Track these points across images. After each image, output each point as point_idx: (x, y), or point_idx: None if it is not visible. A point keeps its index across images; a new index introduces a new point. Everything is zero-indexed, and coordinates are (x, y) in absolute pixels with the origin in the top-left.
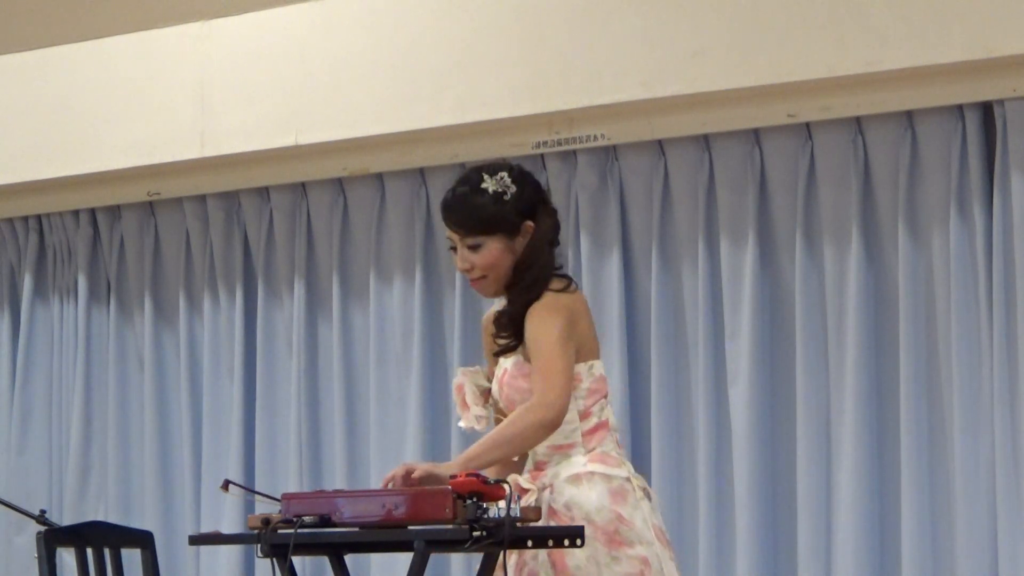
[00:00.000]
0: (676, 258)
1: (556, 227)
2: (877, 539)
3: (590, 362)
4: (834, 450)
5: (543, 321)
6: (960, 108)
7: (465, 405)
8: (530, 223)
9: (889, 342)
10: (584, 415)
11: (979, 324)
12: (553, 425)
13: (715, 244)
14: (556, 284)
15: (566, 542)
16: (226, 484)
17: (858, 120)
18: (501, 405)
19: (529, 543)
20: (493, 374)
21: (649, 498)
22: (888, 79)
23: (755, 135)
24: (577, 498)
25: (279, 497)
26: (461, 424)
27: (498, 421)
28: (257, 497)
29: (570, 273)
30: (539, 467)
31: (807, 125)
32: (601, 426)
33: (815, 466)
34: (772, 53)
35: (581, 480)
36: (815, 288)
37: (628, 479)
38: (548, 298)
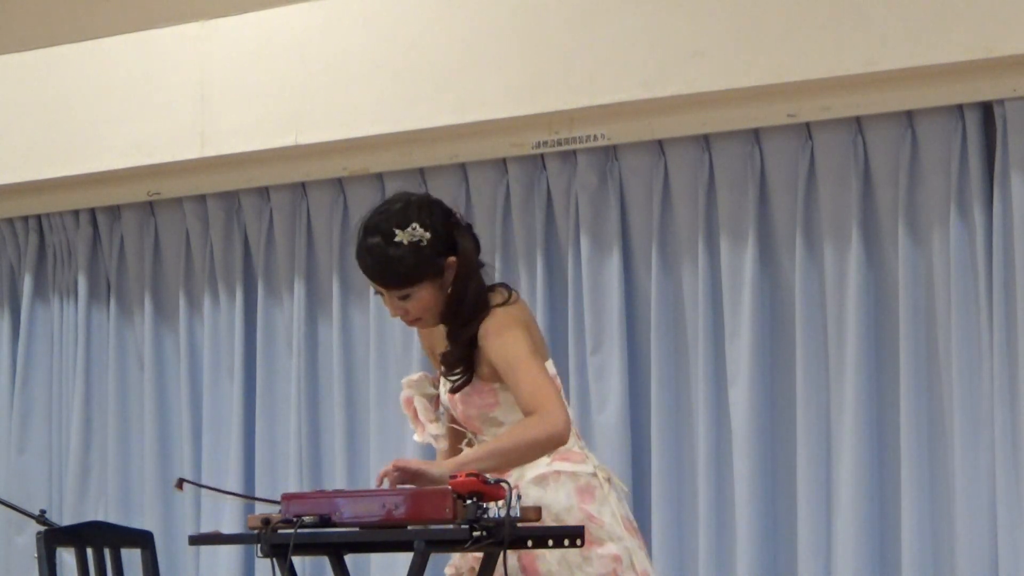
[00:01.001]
0: (676, 258)
1: (476, 246)
2: (877, 539)
3: (545, 363)
4: (834, 450)
5: (505, 340)
6: (960, 108)
7: (418, 421)
8: (452, 258)
9: (889, 342)
10: None
11: (979, 324)
12: (560, 443)
13: (715, 244)
14: (497, 298)
15: (566, 542)
16: (180, 482)
17: (858, 120)
18: (455, 415)
19: (529, 543)
20: (439, 379)
21: (615, 488)
22: (888, 79)
23: (755, 135)
24: (544, 500)
25: (235, 492)
26: (416, 438)
27: (451, 430)
28: (221, 496)
29: (570, 273)
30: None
31: (807, 125)
32: None
33: (815, 466)
34: (772, 53)
35: (547, 480)
36: (815, 288)
37: (594, 474)
38: (499, 315)
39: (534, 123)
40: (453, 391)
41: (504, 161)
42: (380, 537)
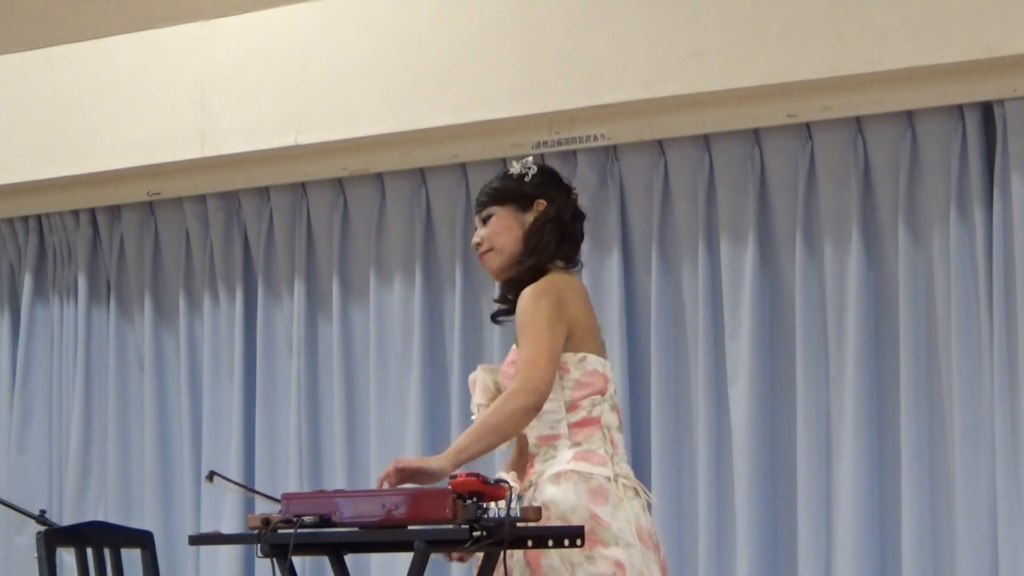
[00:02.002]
0: (676, 258)
1: (573, 211)
2: (877, 539)
3: (581, 354)
4: (834, 450)
5: (529, 304)
6: (960, 108)
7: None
8: (542, 201)
9: (889, 342)
10: (571, 407)
11: (979, 324)
12: (535, 408)
13: (715, 244)
14: (555, 268)
15: (566, 542)
16: (211, 475)
17: (858, 120)
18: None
19: (529, 543)
20: None
21: (639, 498)
22: (888, 79)
23: (755, 135)
24: (556, 497)
25: (263, 492)
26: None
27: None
28: (246, 492)
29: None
30: (531, 461)
31: (807, 125)
32: (590, 422)
33: (815, 465)
34: (772, 53)
35: (560, 479)
36: (815, 288)
37: (610, 478)
38: (541, 281)
39: (534, 123)
40: (493, 317)
41: (504, 161)
42: (380, 537)
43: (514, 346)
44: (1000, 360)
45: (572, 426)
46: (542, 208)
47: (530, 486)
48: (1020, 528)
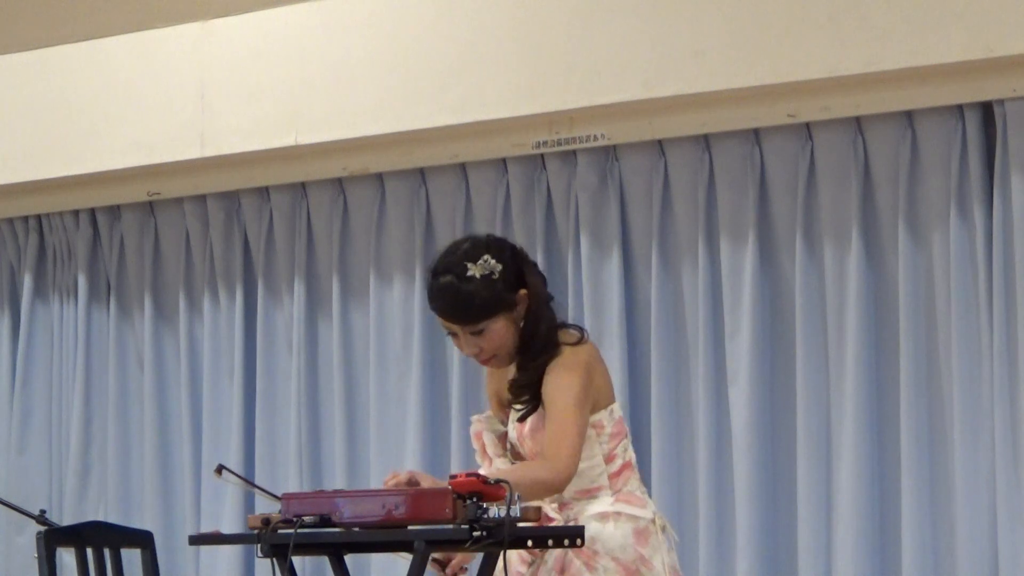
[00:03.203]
0: (676, 258)
1: (544, 283)
2: (877, 539)
3: (609, 407)
4: (834, 450)
5: (561, 381)
6: (960, 108)
7: (486, 455)
8: (523, 292)
9: (889, 342)
10: (609, 458)
11: (979, 324)
12: (557, 490)
13: (715, 244)
14: (569, 337)
15: (566, 542)
16: (219, 469)
17: (858, 120)
18: (521, 451)
19: (529, 543)
20: (504, 417)
21: (668, 537)
22: (888, 79)
23: (755, 135)
24: (603, 534)
25: (268, 490)
26: (481, 471)
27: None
28: (252, 489)
29: (570, 273)
30: (563, 506)
31: (807, 125)
32: (626, 466)
33: (815, 466)
34: (772, 53)
35: (608, 518)
36: (815, 288)
37: (652, 520)
38: (566, 354)
39: (534, 123)
40: (520, 420)
41: (504, 161)
42: (380, 537)
43: (533, 417)
44: (1000, 360)
45: (612, 476)
46: (525, 298)
47: (569, 520)
48: (1020, 528)
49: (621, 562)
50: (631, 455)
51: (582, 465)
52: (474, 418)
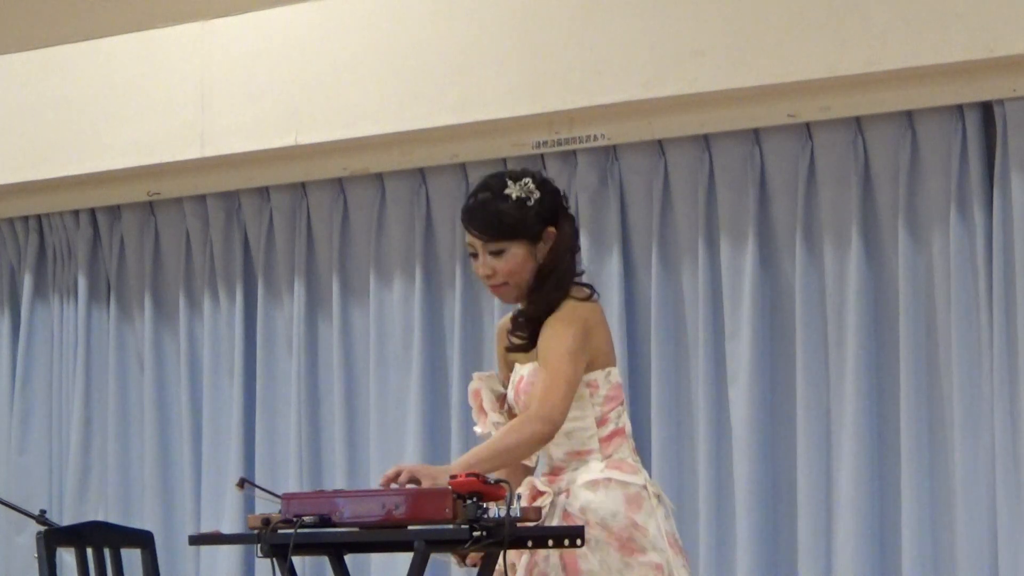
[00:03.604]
0: (676, 258)
1: (576, 234)
2: (877, 539)
3: (607, 369)
4: (834, 450)
5: (556, 332)
6: (960, 108)
7: (482, 411)
8: (552, 229)
9: (889, 342)
10: (601, 421)
11: (979, 324)
12: (549, 437)
13: (715, 244)
14: (577, 292)
15: (566, 542)
16: (242, 482)
17: (858, 120)
18: (516, 411)
19: (529, 543)
20: (508, 379)
21: (663, 504)
22: (888, 79)
23: (755, 135)
24: (593, 503)
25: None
26: (477, 429)
27: None
28: (262, 496)
29: None
30: (555, 472)
31: (807, 125)
32: (617, 433)
33: (815, 466)
34: (772, 53)
35: (598, 486)
36: (815, 288)
37: (644, 486)
38: (567, 308)
39: (534, 123)
40: (509, 349)
41: (504, 161)
42: (380, 537)
43: (529, 366)
44: (1000, 360)
45: (603, 440)
46: (552, 237)
47: (560, 492)
48: (1020, 528)
49: (612, 530)
50: (626, 423)
51: (573, 425)
52: (475, 375)
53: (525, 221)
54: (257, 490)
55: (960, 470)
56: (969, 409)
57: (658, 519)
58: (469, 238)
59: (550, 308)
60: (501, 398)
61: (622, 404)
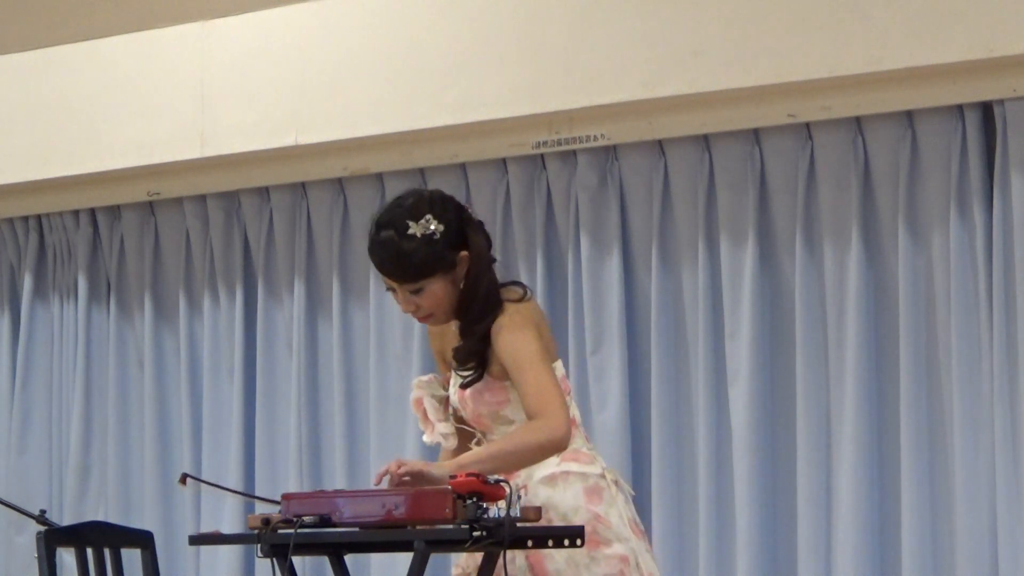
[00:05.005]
0: (676, 258)
1: (488, 243)
2: (877, 539)
3: (554, 364)
4: (834, 450)
5: (516, 338)
6: (960, 108)
7: (428, 420)
8: (464, 253)
9: (889, 342)
10: None
11: (979, 324)
12: (560, 448)
13: (715, 244)
14: (512, 294)
15: (566, 542)
16: (183, 477)
17: (858, 120)
18: (464, 415)
19: (529, 543)
20: (448, 380)
21: (622, 490)
22: (888, 79)
23: (755, 135)
24: (553, 499)
25: (238, 491)
26: (425, 439)
27: (459, 431)
28: (223, 492)
29: (570, 273)
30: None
31: (807, 125)
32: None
33: (815, 466)
34: (772, 53)
35: (556, 481)
36: (815, 288)
37: (602, 475)
38: (510, 312)
39: (534, 123)
40: (464, 386)
41: (504, 161)
42: (380, 537)
43: (487, 376)
44: (1000, 360)
45: None
46: (466, 260)
47: (519, 488)
48: (1020, 528)
49: (573, 524)
50: (575, 412)
51: (524, 418)
52: (414, 383)
53: (436, 256)
54: (203, 485)
55: (960, 470)
56: (969, 409)
57: (619, 507)
58: (382, 276)
59: (486, 330)
60: (444, 401)
61: (569, 394)
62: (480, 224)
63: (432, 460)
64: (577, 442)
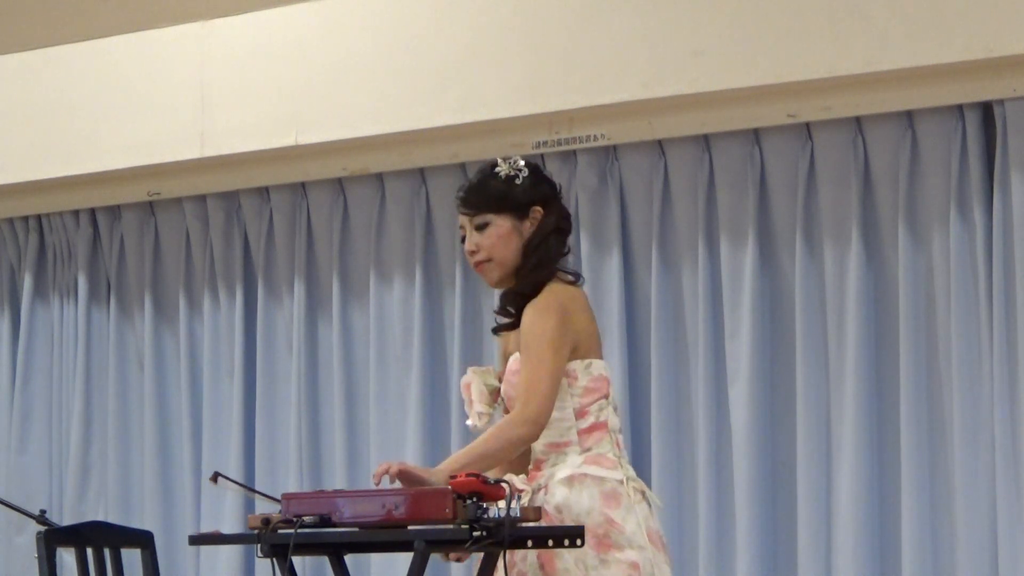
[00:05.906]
0: (676, 258)
1: (566, 218)
2: (877, 539)
3: (588, 360)
4: (834, 449)
5: (535, 321)
6: (960, 108)
7: (472, 403)
8: (539, 208)
9: (889, 342)
10: (580, 413)
11: (979, 324)
12: (532, 439)
13: (715, 244)
14: (563, 277)
15: (566, 542)
16: (215, 476)
17: (858, 120)
18: (507, 403)
19: (529, 543)
20: (503, 375)
21: (648, 502)
22: (888, 79)
23: (755, 135)
24: (568, 500)
25: (267, 494)
26: (469, 423)
27: None
28: (251, 494)
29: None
30: (537, 465)
31: (807, 125)
32: (598, 427)
33: (815, 465)
34: (772, 53)
35: (574, 482)
36: (815, 288)
37: (622, 481)
38: (545, 294)
39: (534, 123)
40: (494, 331)
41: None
42: (380, 537)
43: (516, 354)
44: (1000, 360)
45: (581, 432)
46: (539, 216)
47: (539, 488)
48: (1020, 528)
49: (588, 528)
50: (609, 418)
51: (552, 415)
52: (470, 369)
53: (510, 194)
54: (231, 484)
55: (960, 470)
56: (969, 409)
57: (639, 516)
58: (460, 220)
59: (535, 286)
60: (495, 392)
61: (606, 398)
62: (566, 209)
63: (431, 461)
64: (603, 446)
